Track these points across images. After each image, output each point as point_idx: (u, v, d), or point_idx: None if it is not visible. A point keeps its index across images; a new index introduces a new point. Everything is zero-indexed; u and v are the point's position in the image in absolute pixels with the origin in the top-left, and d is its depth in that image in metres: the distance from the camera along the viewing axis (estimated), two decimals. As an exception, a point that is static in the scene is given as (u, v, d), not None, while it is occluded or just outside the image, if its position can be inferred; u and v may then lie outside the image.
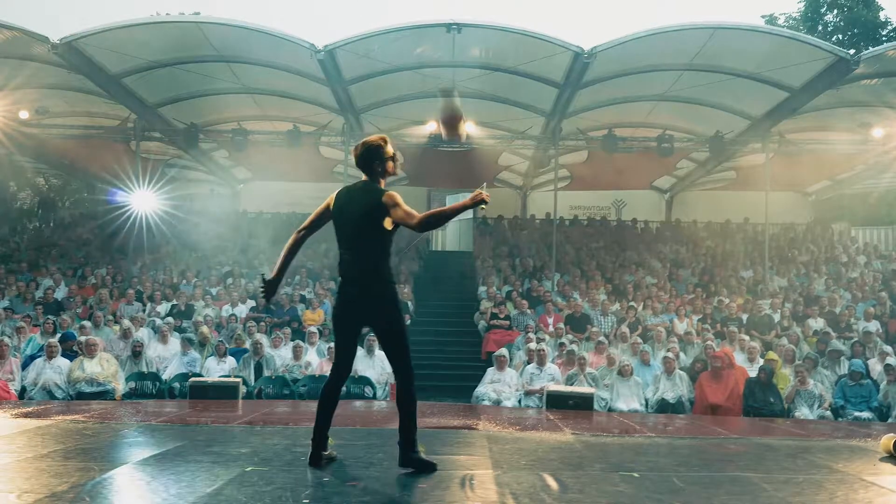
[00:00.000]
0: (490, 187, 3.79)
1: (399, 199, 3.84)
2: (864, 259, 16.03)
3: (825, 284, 14.04)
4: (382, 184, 4.01)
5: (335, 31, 72.24)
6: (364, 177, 4.03)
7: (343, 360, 4.03)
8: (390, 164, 4.01)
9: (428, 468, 3.90)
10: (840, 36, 26.15)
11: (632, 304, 12.61)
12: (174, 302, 12.28)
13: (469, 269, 16.03)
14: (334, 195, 4.04)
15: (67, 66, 11.84)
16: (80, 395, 8.62)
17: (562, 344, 10.43)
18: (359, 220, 3.88)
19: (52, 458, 4.18)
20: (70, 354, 9.27)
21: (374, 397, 9.23)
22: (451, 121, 3.71)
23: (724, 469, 4.53)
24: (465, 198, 3.82)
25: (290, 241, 4.08)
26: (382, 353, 9.83)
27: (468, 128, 14.11)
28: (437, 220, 3.82)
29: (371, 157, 3.97)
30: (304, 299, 12.57)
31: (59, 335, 10.00)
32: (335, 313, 4.04)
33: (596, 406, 8.54)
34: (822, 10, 27.13)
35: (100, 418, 6.27)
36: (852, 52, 11.78)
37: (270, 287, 4.06)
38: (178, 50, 11.91)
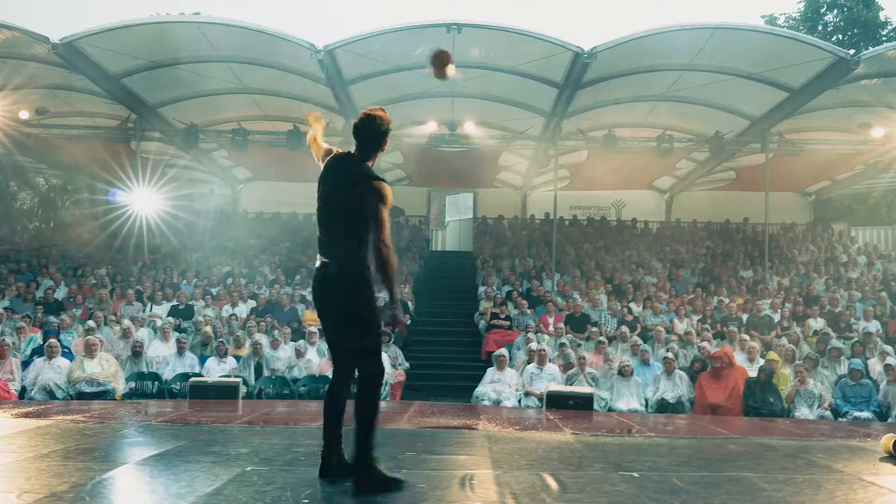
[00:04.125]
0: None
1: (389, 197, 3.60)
2: (864, 259, 16.03)
3: (825, 284, 14.05)
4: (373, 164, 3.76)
5: (335, 31, 72.31)
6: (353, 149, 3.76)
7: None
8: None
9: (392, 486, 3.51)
10: (840, 36, 26.15)
11: (631, 303, 12.62)
12: (174, 302, 12.28)
13: (469, 269, 16.03)
14: (330, 153, 3.83)
15: (67, 66, 11.83)
16: (81, 395, 8.62)
17: (562, 344, 10.43)
18: (340, 197, 3.62)
19: (52, 458, 4.18)
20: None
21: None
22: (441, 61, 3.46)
23: (724, 469, 4.54)
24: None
25: None
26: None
27: (468, 128, 14.10)
28: (388, 269, 3.52)
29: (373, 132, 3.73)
30: (304, 300, 12.58)
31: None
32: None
33: (596, 406, 8.54)
34: (822, 10, 27.12)
35: (100, 418, 6.27)
36: (852, 52, 11.76)
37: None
38: (178, 50, 11.90)
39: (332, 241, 3.63)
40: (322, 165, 3.81)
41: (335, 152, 3.84)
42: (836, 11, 26.84)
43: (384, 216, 3.57)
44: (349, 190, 3.60)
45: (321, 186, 3.73)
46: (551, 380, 9.16)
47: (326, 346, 3.89)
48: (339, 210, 3.62)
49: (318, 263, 3.72)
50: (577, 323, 11.88)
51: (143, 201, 13.94)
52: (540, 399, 8.80)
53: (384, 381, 9.48)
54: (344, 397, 3.73)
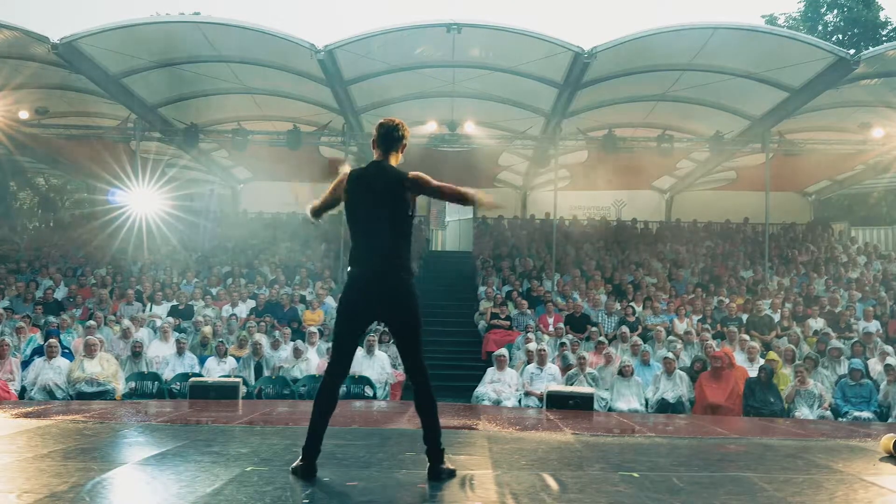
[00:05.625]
0: (490, 187, 3.81)
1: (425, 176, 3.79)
2: (864, 259, 16.02)
3: (825, 284, 14.04)
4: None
5: (335, 31, 72.31)
6: (377, 157, 3.90)
7: (345, 357, 3.84)
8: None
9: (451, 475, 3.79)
10: (840, 36, 26.15)
11: (632, 303, 12.61)
12: (174, 302, 12.28)
13: (469, 269, 16.02)
14: (346, 175, 3.87)
15: (67, 66, 11.84)
16: (80, 395, 8.62)
17: (562, 344, 10.43)
18: (380, 200, 3.73)
19: (52, 458, 4.17)
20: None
21: (374, 397, 9.23)
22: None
23: (724, 469, 4.53)
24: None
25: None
26: (382, 353, 9.83)
27: (468, 128, 14.12)
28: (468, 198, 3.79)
29: (398, 137, 3.90)
30: (304, 300, 12.57)
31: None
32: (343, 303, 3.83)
33: (596, 406, 8.54)
34: (822, 10, 27.12)
35: (100, 418, 6.26)
36: (852, 52, 11.77)
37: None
38: (178, 50, 11.91)
39: (380, 248, 3.73)
40: (346, 184, 3.82)
41: (348, 172, 3.89)
42: (836, 11, 26.83)
43: (434, 182, 3.76)
44: (391, 194, 3.73)
45: (356, 196, 3.78)
46: (551, 380, 9.16)
47: (342, 346, 3.87)
48: (386, 216, 3.73)
49: (357, 268, 3.77)
50: (577, 323, 11.87)
51: (142, 201, 13.93)
52: (540, 399, 8.80)
53: (385, 382, 9.54)
54: (337, 398, 3.83)
